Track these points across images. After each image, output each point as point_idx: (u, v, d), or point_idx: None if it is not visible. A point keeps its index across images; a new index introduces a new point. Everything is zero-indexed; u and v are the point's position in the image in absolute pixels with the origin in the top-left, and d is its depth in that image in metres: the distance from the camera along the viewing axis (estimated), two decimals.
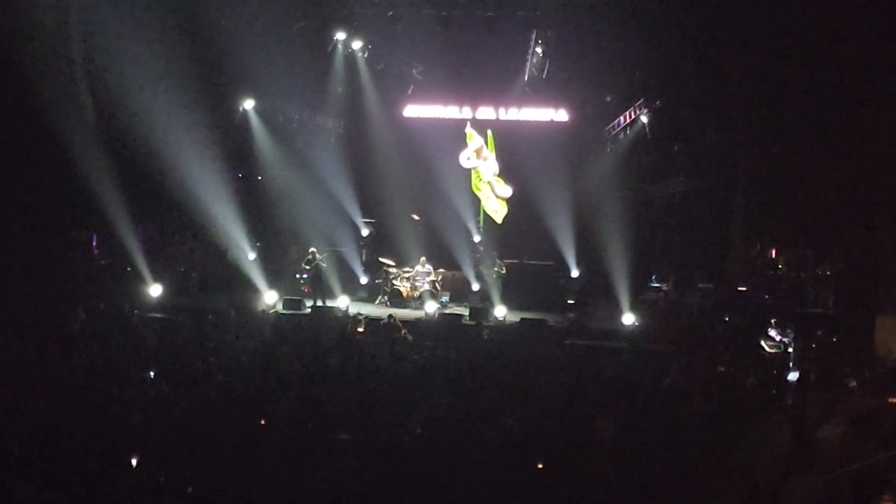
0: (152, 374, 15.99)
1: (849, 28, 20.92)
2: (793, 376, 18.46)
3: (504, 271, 24.99)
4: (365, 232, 27.43)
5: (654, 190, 27.35)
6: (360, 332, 20.71)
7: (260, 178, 27.23)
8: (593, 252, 25.10)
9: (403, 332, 20.44)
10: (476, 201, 26.65)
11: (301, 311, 23.20)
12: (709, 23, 23.30)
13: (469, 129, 26.20)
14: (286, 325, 20.81)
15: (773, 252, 25.21)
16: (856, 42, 20.89)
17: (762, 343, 20.53)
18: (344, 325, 21.27)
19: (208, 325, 20.11)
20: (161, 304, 22.96)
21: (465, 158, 26.18)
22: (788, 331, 20.50)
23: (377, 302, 24.95)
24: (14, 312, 19.56)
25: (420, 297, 24.38)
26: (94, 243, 24.68)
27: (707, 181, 25.79)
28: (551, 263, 26.07)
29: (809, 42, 21.54)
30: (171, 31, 22.77)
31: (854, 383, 18.16)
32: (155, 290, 23.20)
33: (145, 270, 23.43)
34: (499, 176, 26.08)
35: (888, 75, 20.62)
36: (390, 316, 21.13)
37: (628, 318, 22.59)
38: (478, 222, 27.05)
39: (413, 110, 27.65)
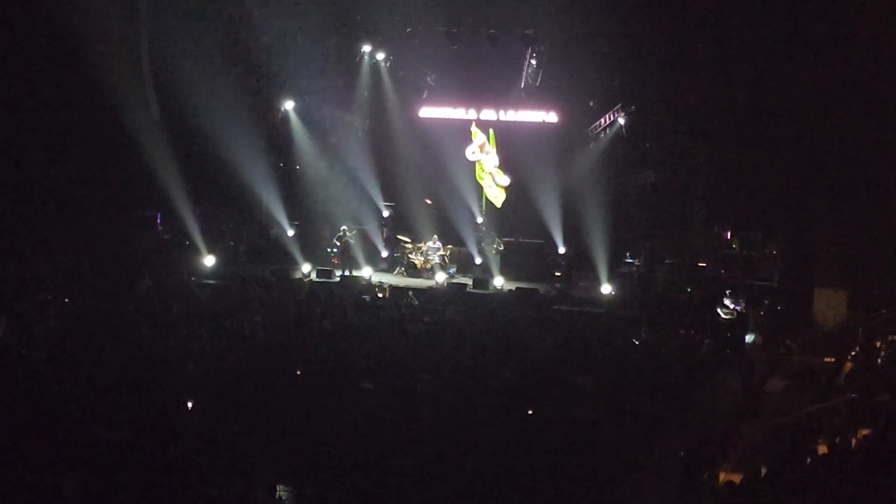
0: (206, 330, 15.96)
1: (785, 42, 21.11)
2: (749, 338, 18.53)
3: (502, 248, 24.82)
4: (386, 213, 27.27)
5: (629, 181, 27.06)
6: (380, 299, 20.70)
7: (298, 167, 27.12)
8: (577, 232, 24.90)
9: (411, 294, 20.61)
10: (479, 189, 26.45)
11: (331, 280, 23.02)
12: (675, 41, 23.41)
13: (474, 128, 25.98)
14: (319, 292, 20.68)
15: (728, 233, 25.09)
16: (790, 56, 21.07)
17: (718, 310, 20.47)
18: (367, 292, 21.24)
19: (253, 291, 20.07)
20: (213, 272, 22.94)
21: (471, 153, 25.97)
22: (740, 300, 20.54)
23: (395, 272, 24.85)
24: (93, 278, 19.77)
25: (431, 268, 24.33)
26: (159, 221, 24.65)
27: (673, 174, 25.60)
28: (542, 241, 25.90)
29: (754, 57, 22.03)
30: (225, 43, 23.07)
31: (791, 344, 18.23)
32: (209, 260, 23.16)
33: (201, 244, 23.36)
34: (499, 168, 25.87)
35: (820, 84, 20.69)
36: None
37: (606, 289, 22.44)
38: (480, 206, 26.83)
39: (427, 111, 27.36)
